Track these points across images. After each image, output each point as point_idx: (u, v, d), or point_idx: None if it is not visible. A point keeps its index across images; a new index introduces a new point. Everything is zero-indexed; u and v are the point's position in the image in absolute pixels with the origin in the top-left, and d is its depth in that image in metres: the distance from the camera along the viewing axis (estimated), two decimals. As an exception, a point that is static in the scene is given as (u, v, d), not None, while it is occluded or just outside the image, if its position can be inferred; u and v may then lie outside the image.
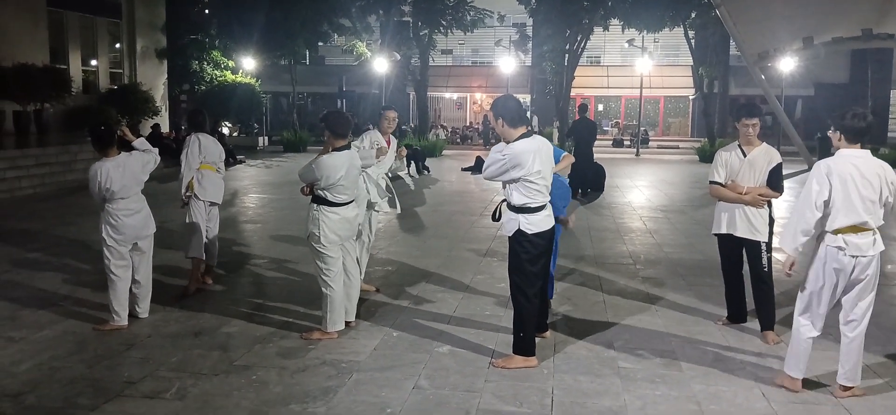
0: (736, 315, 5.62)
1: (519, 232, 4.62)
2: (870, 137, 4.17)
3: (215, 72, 28.75)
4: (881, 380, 4.53)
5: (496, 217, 4.96)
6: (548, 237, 4.70)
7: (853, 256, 4.06)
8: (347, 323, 5.39)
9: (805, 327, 4.26)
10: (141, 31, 24.47)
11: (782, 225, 4.29)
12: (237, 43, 28.08)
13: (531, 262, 4.65)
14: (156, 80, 25.29)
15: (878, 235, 4.11)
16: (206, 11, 29.59)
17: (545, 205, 4.67)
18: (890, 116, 32.94)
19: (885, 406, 4.18)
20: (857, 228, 4.05)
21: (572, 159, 6.32)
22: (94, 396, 4.19)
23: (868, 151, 4.13)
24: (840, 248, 4.06)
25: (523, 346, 4.72)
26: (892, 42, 17.26)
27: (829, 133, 4.23)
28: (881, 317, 5.96)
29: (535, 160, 4.53)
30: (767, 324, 5.24)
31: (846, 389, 4.23)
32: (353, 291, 5.50)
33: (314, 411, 4.02)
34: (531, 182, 4.54)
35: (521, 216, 4.61)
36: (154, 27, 25.24)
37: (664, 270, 7.72)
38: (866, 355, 4.96)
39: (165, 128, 24.29)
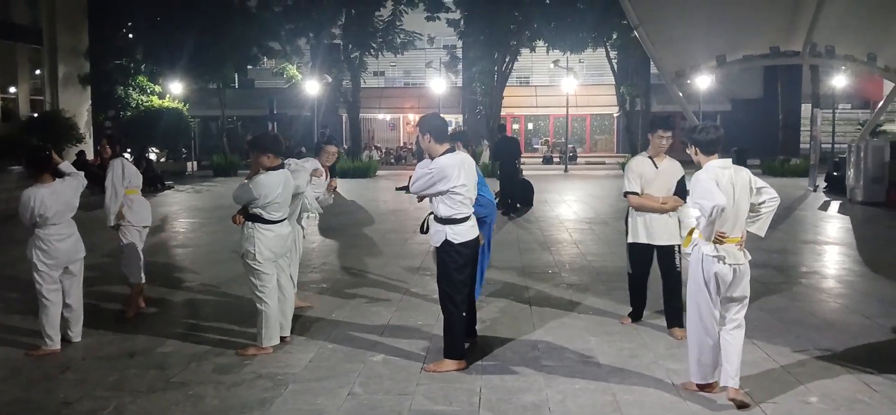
0: (638, 314, 6.05)
1: (446, 242, 4.91)
2: (723, 146, 4.36)
3: (141, 97, 28.24)
4: (777, 366, 4.95)
5: (424, 230, 5.27)
6: (473, 247, 5.00)
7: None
8: (282, 338, 5.54)
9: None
10: (63, 57, 23.88)
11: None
12: (164, 67, 27.68)
13: (458, 270, 4.93)
14: (79, 107, 24.69)
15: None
16: (130, 36, 29.04)
17: (470, 216, 4.98)
18: (802, 128, 34.71)
19: (779, 382, 4.58)
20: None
21: None
22: (30, 417, 4.23)
23: (729, 160, 4.35)
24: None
25: (453, 350, 4.98)
26: (798, 58, 18.36)
27: (687, 150, 4.41)
28: (785, 312, 6.47)
29: (459, 173, 4.85)
30: (676, 321, 5.63)
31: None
32: (288, 306, 5.67)
33: (252, 420, 4.18)
34: (456, 194, 4.85)
35: (447, 227, 4.90)
36: (76, 53, 24.66)
37: (587, 277, 8.13)
38: (767, 344, 5.43)
39: (90, 155, 23.70)
